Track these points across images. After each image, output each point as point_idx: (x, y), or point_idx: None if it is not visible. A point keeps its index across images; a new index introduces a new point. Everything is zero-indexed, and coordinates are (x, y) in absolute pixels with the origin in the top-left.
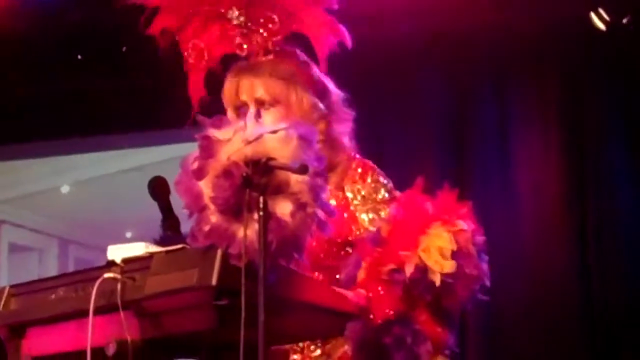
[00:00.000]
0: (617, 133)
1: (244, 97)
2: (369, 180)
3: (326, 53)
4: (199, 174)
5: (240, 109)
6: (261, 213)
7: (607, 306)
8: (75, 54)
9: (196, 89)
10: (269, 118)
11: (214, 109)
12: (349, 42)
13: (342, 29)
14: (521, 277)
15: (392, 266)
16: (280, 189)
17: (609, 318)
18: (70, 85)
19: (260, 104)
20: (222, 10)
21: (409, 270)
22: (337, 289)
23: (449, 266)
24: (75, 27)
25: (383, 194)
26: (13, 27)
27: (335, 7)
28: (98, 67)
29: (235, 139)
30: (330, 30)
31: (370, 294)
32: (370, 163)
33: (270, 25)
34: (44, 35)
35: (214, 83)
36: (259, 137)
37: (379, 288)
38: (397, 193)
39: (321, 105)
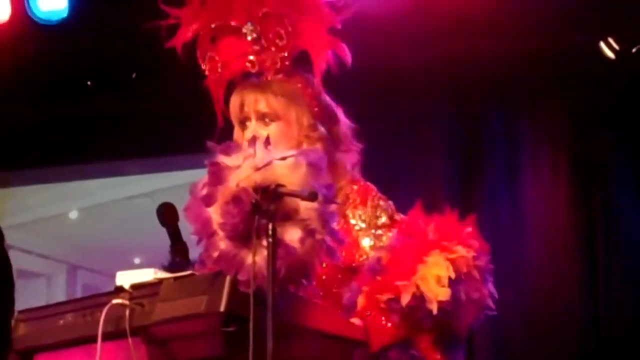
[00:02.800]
0: (625, 161)
1: (246, 109)
2: (369, 205)
3: (323, 68)
4: (208, 200)
5: (244, 123)
6: (270, 240)
7: (613, 331)
8: (85, 80)
9: (217, 103)
10: (269, 132)
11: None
12: (349, 59)
13: (343, 46)
14: (529, 308)
15: (389, 295)
16: (289, 216)
17: (614, 342)
18: (79, 111)
19: (261, 117)
20: (238, 24)
21: (405, 299)
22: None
23: (444, 294)
24: (85, 52)
25: (383, 218)
26: (23, 52)
27: (339, 26)
28: (107, 93)
29: (245, 166)
30: (330, 47)
31: (368, 323)
32: (371, 186)
33: (277, 41)
34: (53, 61)
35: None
36: (268, 164)
37: (377, 317)
38: (400, 216)
39: (321, 128)
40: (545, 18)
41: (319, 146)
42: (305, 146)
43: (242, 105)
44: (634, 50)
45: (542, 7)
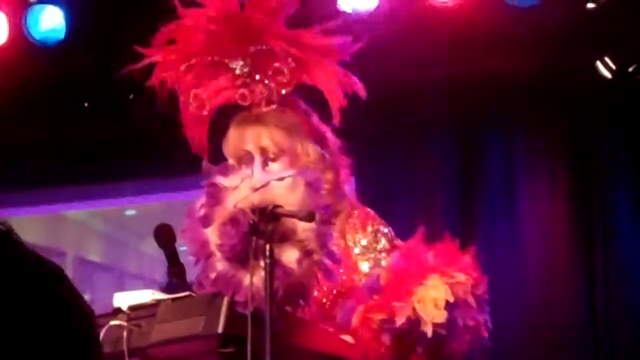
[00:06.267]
0: (623, 180)
1: (249, 146)
2: (369, 229)
3: (339, 106)
4: (206, 221)
5: (244, 159)
6: (267, 260)
7: (613, 353)
8: (83, 102)
9: (200, 139)
10: (275, 168)
11: (215, 159)
12: (363, 93)
13: (356, 80)
14: (527, 324)
15: (382, 316)
16: (287, 237)
17: None
18: (76, 132)
19: (265, 153)
20: (226, 61)
21: (399, 321)
22: (342, 337)
23: (440, 316)
24: (83, 74)
25: (383, 243)
26: (20, 74)
27: (348, 60)
28: (104, 115)
29: (242, 187)
30: (343, 83)
31: (361, 341)
32: (371, 212)
33: (279, 77)
34: (50, 82)
35: (212, 132)
36: (265, 185)
37: (370, 337)
38: (399, 241)
39: (327, 155)
40: (542, 38)
41: (329, 175)
42: None
43: (242, 141)
44: (630, 69)
45: (539, 27)
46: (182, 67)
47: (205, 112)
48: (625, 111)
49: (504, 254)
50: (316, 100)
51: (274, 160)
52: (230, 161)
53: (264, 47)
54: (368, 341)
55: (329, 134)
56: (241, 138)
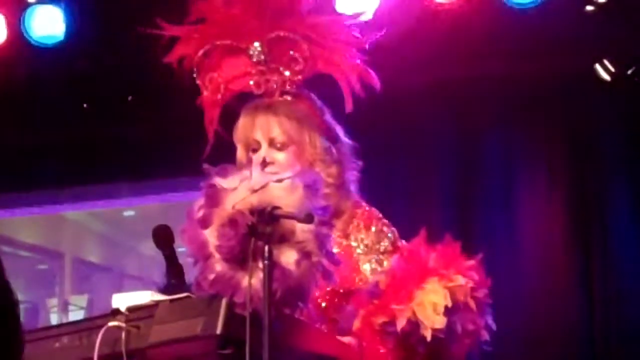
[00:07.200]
0: (622, 182)
1: (258, 135)
2: (372, 229)
3: (351, 95)
4: (205, 222)
5: (251, 148)
6: (266, 262)
7: (609, 352)
8: (81, 103)
9: (211, 123)
10: (282, 157)
11: (228, 145)
12: (378, 85)
13: (371, 72)
14: (525, 323)
15: (384, 319)
16: (286, 238)
17: None
18: (75, 134)
19: (274, 143)
20: (243, 46)
21: (400, 324)
22: (341, 339)
23: (440, 322)
24: (81, 76)
25: (386, 244)
26: (19, 75)
27: (366, 48)
28: (103, 117)
29: (241, 188)
30: (358, 74)
31: (363, 347)
32: (375, 212)
33: (293, 65)
34: (49, 84)
35: (227, 119)
36: (264, 186)
37: (372, 340)
38: (402, 243)
39: (334, 150)
40: (541, 40)
41: (333, 170)
42: (319, 169)
43: (252, 129)
44: (629, 72)
45: (538, 29)
46: (201, 51)
47: (219, 96)
48: (624, 114)
49: (503, 254)
50: (331, 97)
51: (280, 149)
52: (239, 147)
53: (281, 34)
54: (371, 344)
55: (341, 134)
56: (251, 125)
